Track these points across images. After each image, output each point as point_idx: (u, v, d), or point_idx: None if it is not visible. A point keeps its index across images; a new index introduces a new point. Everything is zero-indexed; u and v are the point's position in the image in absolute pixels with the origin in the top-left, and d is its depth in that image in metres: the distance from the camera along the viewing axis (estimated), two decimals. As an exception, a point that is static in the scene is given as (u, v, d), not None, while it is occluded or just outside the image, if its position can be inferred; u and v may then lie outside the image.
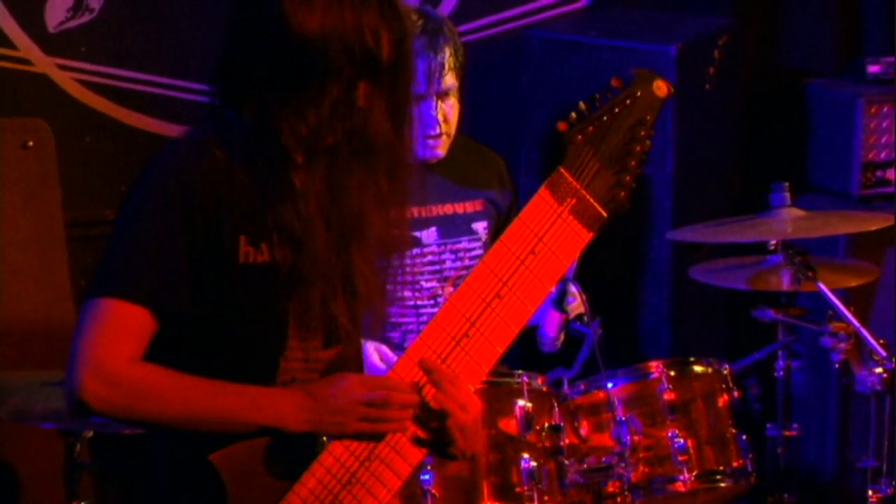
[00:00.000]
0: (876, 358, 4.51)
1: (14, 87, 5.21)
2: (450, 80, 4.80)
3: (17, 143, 5.07)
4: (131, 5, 5.33)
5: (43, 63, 5.27)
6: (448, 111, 4.83)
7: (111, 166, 5.33)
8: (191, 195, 3.15)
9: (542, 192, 3.30)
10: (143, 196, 3.11)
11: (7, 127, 5.05)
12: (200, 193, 3.16)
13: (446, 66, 4.79)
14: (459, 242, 4.94)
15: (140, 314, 3.16)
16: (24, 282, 4.99)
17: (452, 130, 4.87)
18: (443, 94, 4.80)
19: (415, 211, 4.86)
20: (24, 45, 5.24)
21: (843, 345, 4.65)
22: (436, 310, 4.89)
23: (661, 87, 3.48)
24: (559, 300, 4.55)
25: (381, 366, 4.67)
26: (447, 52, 4.80)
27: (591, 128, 3.42)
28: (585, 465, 4.32)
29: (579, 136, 3.42)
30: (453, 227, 4.95)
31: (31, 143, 5.07)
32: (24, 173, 5.09)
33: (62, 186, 5.08)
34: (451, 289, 4.93)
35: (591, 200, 3.38)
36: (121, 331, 3.18)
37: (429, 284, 4.91)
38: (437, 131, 4.82)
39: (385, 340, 4.88)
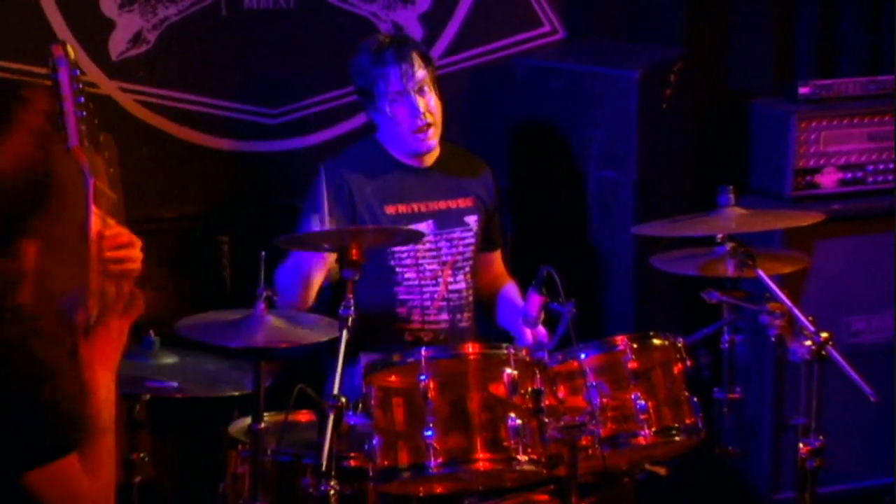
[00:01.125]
0: (805, 333, 4.48)
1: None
2: (421, 73, 4.85)
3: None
4: (179, 39, 5.31)
5: (107, 86, 5.27)
6: (429, 102, 4.85)
7: (163, 172, 5.35)
8: None
9: None
10: None
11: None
12: None
13: (416, 64, 4.85)
14: (454, 232, 4.99)
15: None
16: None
17: (438, 120, 4.89)
18: (419, 89, 4.83)
19: (416, 206, 4.91)
20: (92, 71, 5.23)
21: (778, 322, 4.63)
22: (437, 289, 4.96)
23: None
24: (540, 285, 4.56)
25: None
26: (414, 54, 4.85)
27: None
28: (562, 423, 4.26)
29: None
30: (448, 220, 4.97)
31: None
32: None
33: (123, 188, 5.10)
34: (450, 272, 4.97)
35: None
36: None
37: (430, 267, 4.96)
38: (424, 121, 4.85)
39: (395, 316, 4.92)
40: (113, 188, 3.27)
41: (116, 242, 3.19)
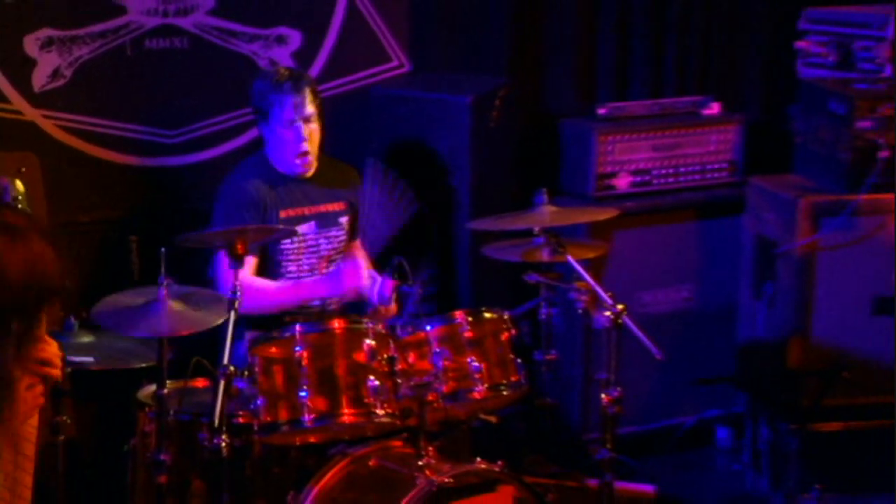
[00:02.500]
0: (606, 305, 4.53)
1: (10, 131, 5.14)
2: (310, 108, 4.81)
3: (13, 169, 4.99)
4: (92, 74, 5.26)
5: (31, 114, 5.21)
6: (313, 131, 4.84)
7: (80, 184, 5.29)
8: None
9: None
10: None
11: (6, 158, 4.92)
12: None
13: (307, 99, 4.80)
14: (331, 231, 4.97)
15: None
16: None
17: (315, 148, 4.87)
18: (307, 119, 4.80)
19: (302, 210, 4.89)
20: (17, 100, 5.18)
21: (584, 297, 4.67)
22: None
23: None
24: (392, 272, 4.58)
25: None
26: (307, 90, 4.81)
27: None
28: (412, 383, 4.28)
29: None
30: (327, 221, 4.95)
31: (23, 170, 4.94)
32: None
33: (46, 199, 5.04)
34: (325, 264, 4.96)
35: None
36: None
37: (309, 261, 4.94)
38: (305, 148, 4.83)
39: None
40: (36, 199, 3.23)
41: (45, 357, 3.01)
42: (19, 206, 3.15)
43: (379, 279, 4.72)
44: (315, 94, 4.88)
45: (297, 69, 5.10)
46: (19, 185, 3.17)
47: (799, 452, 5.32)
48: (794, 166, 5.64)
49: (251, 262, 4.77)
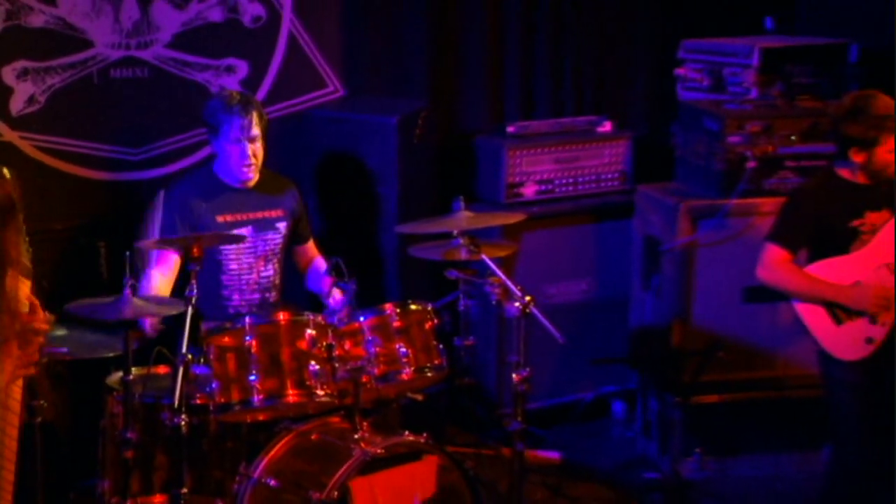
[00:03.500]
0: (515, 297, 4.54)
1: (-12, 152, 5.10)
2: (256, 130, 4.78)
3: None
4: (63, 100, 5.22)
5: (10, 135, 5.16)
6: (256, 150, 4.80)
7: (54, 196, 5.22)
8: None
9: None
10: None
11: None
12: None
13: (254, 122, 4.77)
14: (267, 234, 4.92)
15: None
16: None
17: (259, 163, 4.83)
18: (252, 139, 4.77)
19: (240, 216, 4.85)
20: (-5, 123, 5.16)
21: (497, 290, 4.65)
22: (252, 276, 4.89)
23: None
24: (330, 270, 4.54)
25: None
26: (254, 114, 4.77)
27: None
28: (348, 367, 4.29)
29: None
30: (264, 226, 4.90)
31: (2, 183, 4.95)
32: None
33: (23, 209, 4.98)
34: (262, 263, 4.92)
35: None
36: None
37: (248, 260, 4.89)
38: (249, 162, 4.80)
39: (221, 296, 4.85)
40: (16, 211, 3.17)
41: (34, 320, 3.03)
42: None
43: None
44: (261, 117, 4.84)
45: (247, 94, 5.06)
46: (6, 171, 3.12)
47: (682, 422, 5.37)
48: (676, 175, 5.69)
49: (172, 261, 4.74)
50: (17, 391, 3.07)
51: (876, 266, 4.34)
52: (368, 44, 5.85)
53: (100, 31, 5.26)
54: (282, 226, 4.96)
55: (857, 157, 4.35)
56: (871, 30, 5.81)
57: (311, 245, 5.12)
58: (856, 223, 4.38)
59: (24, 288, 3.02)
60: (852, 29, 5.76)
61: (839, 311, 4.37)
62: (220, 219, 4.84)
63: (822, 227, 4.41)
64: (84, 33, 5.24)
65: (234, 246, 4.85)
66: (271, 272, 4.96)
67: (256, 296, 4.90)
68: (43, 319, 3.05)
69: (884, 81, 4.48)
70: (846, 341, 4.36)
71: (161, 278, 4.72)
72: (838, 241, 4.39)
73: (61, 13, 5.19)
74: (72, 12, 5.21)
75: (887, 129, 4.29)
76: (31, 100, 5.20)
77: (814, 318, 4.40)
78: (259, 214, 4.91)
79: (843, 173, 4.43)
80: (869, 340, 4.34)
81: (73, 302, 4.25)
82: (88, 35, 5.25)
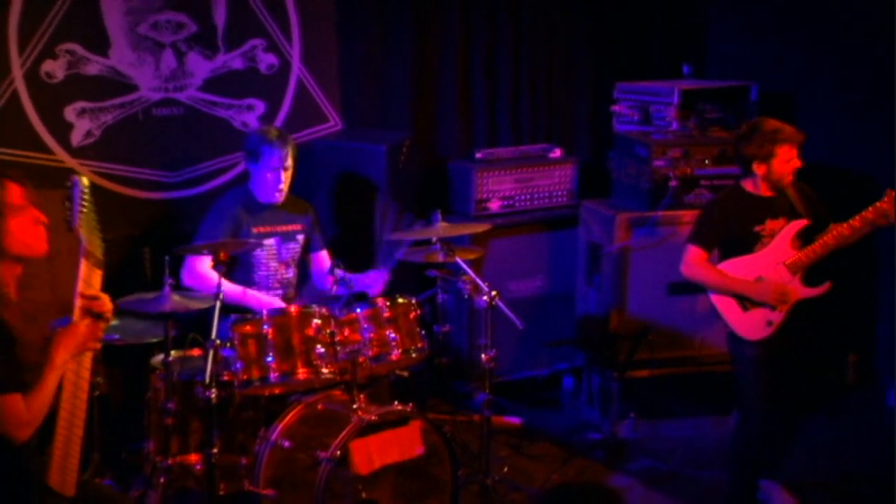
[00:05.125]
0: (483, 292, 4.54)
1: (55, 175, 5.04)
2: (289, 161, 4.78)
3: (60, 201, 4.94)
4: (115, 133, 5.20)
5: (71, 162, 5.15)
6: (287, 177, 4.80)
7: (106, 211, 5.12)
8: None
9: None
10: None
11: (52, 196, 4.89)
12: None
13: (289, 154, 4.77)
14: (289, 244, 4.91)
15: None
16: (62, 266, 4.81)
17: (287, 187, 4.82)
18: (286, 168, 4.77)
19: (269, 228, 4.84)
20: (60, 153, 5.12)
21: (468, 286, 4.66)
22: (276, 276, 4.86)
23: None
24: (332, 270, 4.55)
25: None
26: (289, 147, 4.77)
27: None
28: (348, 349, 4.28)
29: None
30: (287, 237, 4.90)
31: (67, 203, 4.94)
32: (63, 217, 4.96)
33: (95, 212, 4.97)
34: (284, 267, 4.91)
35: None
36: None
37: (272, 264, 4.88)
38: (281, 187, 4.79)
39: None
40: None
41: (95, 294, 3.11)
42: (86, 196, 3.16)
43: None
44: (294, 150, 4.83)
45: (285, 131, 4.99)
46: (85, 180, 3.16)
47: (619, 392, 5.38)
48: (612, 192, 5.68)
49: (208, 261, 4.72)
50: (87, 362, 3.09)
51: (775, 264, 4.36)
52: (362, 86, 5.84)
53: (144, 78, 5.26)
54: (300, 238, 4.95)
55: (759, 170, 4.34)
56: (768, 74, 5.83)
57: (323, 254, 5.11)
58: (758, 228, 4.38)
59: (96, 277, 3.05)
60: (752, 73, 5.78)
61: (745, 300, 4.39)
62: (255, 230, 4.83)
63: (731, 231, 4.41)
64: (131, 79, 5.24)
65: (264, 252, 4.84)
66: (291, 274, 4.96)
67: (280, 291, 4.89)
68: (109, 303, 3.09)
69: (778, 116, 4.51)
70: (751, 324, 4.35)
71: (207, 262, 4.72)
72: (744, 243, 4.39)
73: (112, 63, 5.19)
74: (121, 62, 5.20)
75: (779, 142, 4.28)
76: (88, 133, 5.19)
77: (725, 305, 4.40)
78: (284, 228, 4.90)
79: (748, 187, 4.42)
80: (769, 323, 4.34)
81: (122, 297, 4.26)
82: (134, 81, 5.25)
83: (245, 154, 4.89)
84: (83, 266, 3.12)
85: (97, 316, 3.10)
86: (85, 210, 3.14)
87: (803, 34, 5.89)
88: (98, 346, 3.09)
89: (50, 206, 3.18)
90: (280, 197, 4.82)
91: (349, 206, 5.51)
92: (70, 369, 3.03)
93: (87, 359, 3.12)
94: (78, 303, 3.09)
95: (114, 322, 4.34)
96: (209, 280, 4.61)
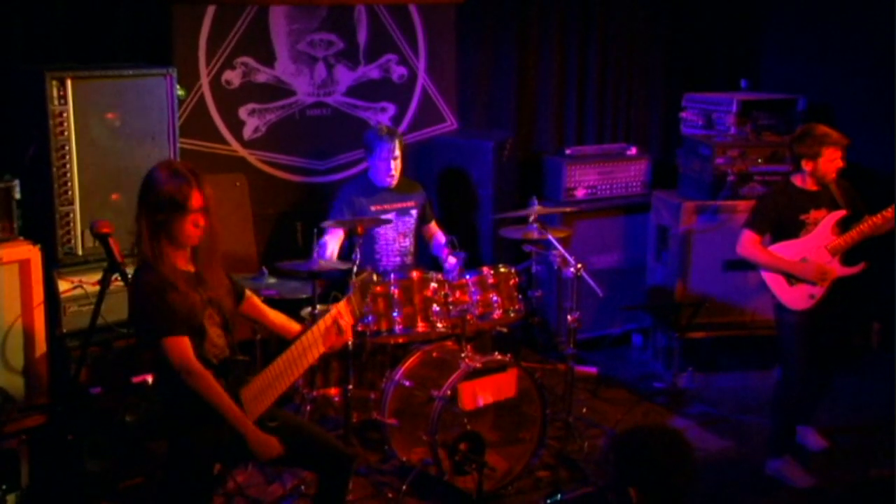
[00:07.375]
0: (571, 264, 4.46)
1: (230, 162, 5.07)
2: (397, 152, 4.71)
3: (232, 184, 4.98)
4: (278, 129, 5.18)
5: (242, 152, 5.14)
6: (397, 165, 4.74)
7: (269, 192, 5.20)
8: None
9: None
10: None
11: (228, 179, 4.93)
12: None
13: (396, 147, 4.71)
14: (405, 218, 4.84)
15: None
16: (231, 238, 4.86)
17: (398, 173, 4.76)
18: (395, 158, 4.71)
19: (386, 206, 4.78)
20: (234, 144, 5.10)
21: (558, 259, 4.60)
22: (394, 246, 4.80)
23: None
24: (448, 244, 4.56)
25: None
26: (397, 141, 4.71)
27: None
28: (458, 308, 4.26)
29: None
30: (403, 213, 4.83)
31: (238, 184, 4.98)
32: (235, 196, 4.98)
33: (250, 200, 5.01)
34: (402, 238, 4.86)
35: None
36: None
37: (392, 236, 4.82)
38: (392, 173, 4.73)
39: (375, 260, 4.76)
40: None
41: (345, 327, 3.21)
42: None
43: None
44: (401, 143, 4.78)
45: (393, 127, 5.01)
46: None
47: (680, 350, 5.28)
48: (679, 184, 5.55)
49: (339, 235, 4.68)
50: (315, 355, 3.16)
51: (818, 247, 4.22)
52: (474, 93, 5.75)
53: (301, 85, 5.22)
54: (414, 212, 4.89)
55: (807, 167, 4.23)
56: (812, 88, 5.68)
57: (433, 225, 5.07)
58: (803, 217, 4.26)
59: (349, 315, 3.20)
60: (799, 87, 5.72)
61: (792, 277, 4.21)
62: (373, 208, 4.80)
63: (781, 218, 4.29)
64: (290, 86, 5.21)
65: (384, 227, 4.81)
66: (408, 243, 4.91)
67: (398, 259, 4.85)
68: (350, 328, 3.22)
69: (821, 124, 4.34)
70: (796, 297, 4.22)
71: (333, 242, 4.69)
72: (791, 229, 4.27)
73: (277, 73, 5.17)
74: (284, 73, 5.18)
75: (826, 144, 4.18)
76: (256, 129, 5.19)
77: (774, 281, 4.27)
78: (399, 205, 4.85)
79: (797, 181, 4.30)
80: (812, 297, 4.22)
81: (280, 261, 4.26)
82: (293, 87, 5.22)
83: (364, 148, 4.87)
84: (346, 307, 3.27)
85: (339, 329, 3.20)
86: (360, 297, 3.31)
87: (842, 56, 5.77)
88: (340, 343, 3.22)
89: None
90: (392, 181, 4.74)
91: (460, 194, 5.45)
92: (312, 341, 3.12)
93: (318, 350, 3.18)
94: (333, 314, 3.21)
95: (272, 280, 4.38)
96: (323, 251, 4.63)
